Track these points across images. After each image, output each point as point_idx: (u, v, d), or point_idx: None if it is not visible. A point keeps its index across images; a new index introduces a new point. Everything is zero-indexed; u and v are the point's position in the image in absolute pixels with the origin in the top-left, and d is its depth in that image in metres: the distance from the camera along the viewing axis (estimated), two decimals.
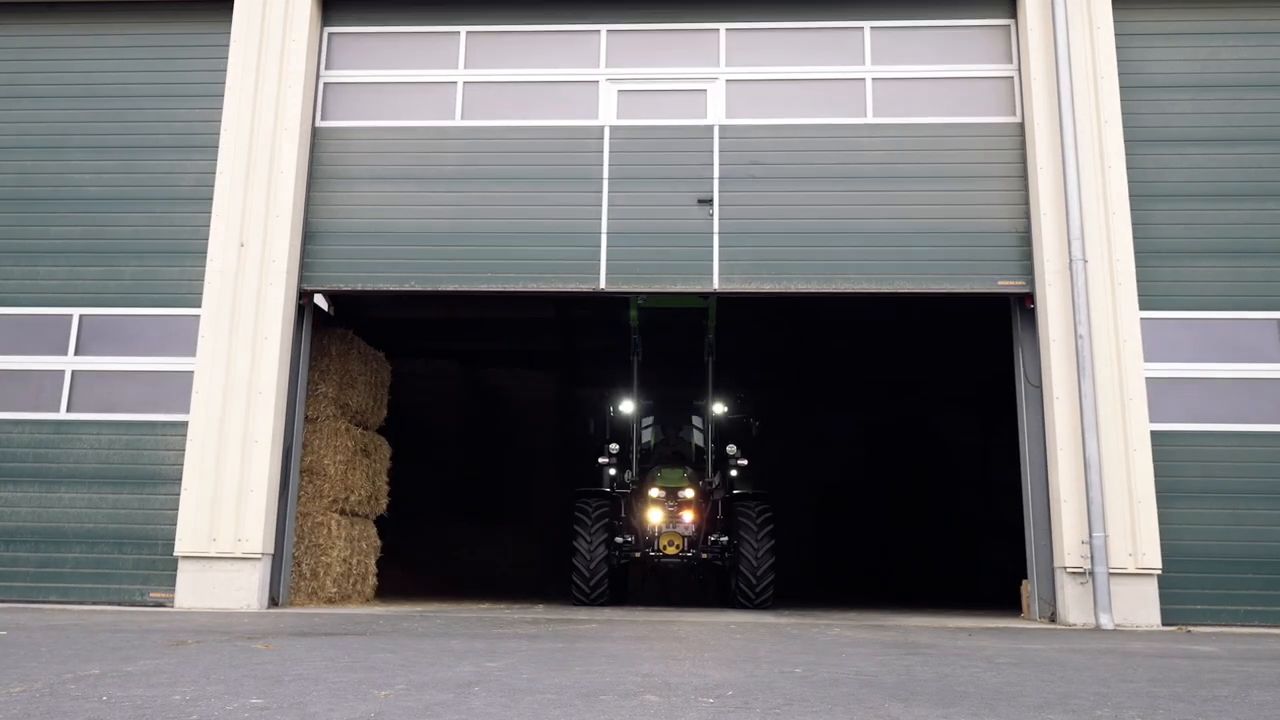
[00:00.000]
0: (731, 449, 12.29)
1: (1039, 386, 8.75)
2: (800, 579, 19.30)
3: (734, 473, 12.31)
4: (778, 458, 18.33)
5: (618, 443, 12.55)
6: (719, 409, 13.19)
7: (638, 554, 11.50)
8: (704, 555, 11.50)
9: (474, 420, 20.23)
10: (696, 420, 13.54)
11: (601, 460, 12.46)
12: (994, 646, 5.81)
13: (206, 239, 9.22)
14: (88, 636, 5.66)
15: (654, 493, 11.66)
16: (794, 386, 22.15)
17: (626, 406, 13.25)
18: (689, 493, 11.61)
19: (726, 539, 11.40)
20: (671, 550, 11.34)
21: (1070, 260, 8.49)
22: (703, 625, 7.38)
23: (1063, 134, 8.70)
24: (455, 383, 20.16)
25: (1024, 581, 8.90)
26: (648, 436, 13.51)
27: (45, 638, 5.55)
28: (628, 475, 12.43)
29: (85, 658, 4.56)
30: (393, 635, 6.02)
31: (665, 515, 11.54)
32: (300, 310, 9.56)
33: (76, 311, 9.29)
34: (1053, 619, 8.40)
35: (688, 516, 11.56)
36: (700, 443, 13.13)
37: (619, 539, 11.54)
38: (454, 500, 19.30)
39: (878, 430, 22.67)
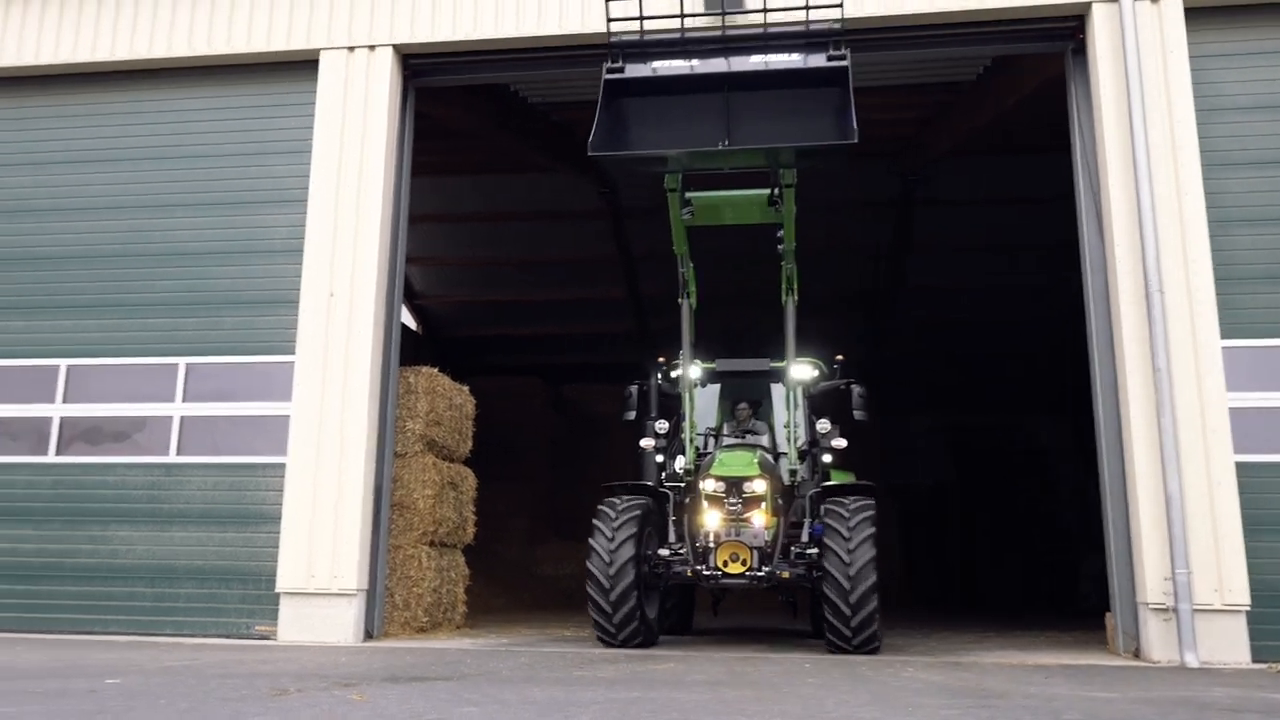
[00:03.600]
0: (824, 426, 9.43)
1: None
2: (884, 592, 19.17)
3: (828, 458, 9.53)
4: (858, 460, 18.17)
5: (666, 420, 9.69)
6: (804, 373, 10.00)
7: (688, 572, 8.53)
8: (784, 574, 8.36)
9: (558, 436, 20.69)
10: (777, 389, 10.06)
11: (644, 444, 9.64)
12: (1066, 696, 5.84)
13: (299, 289, 9.74)
14: (199, 683, 6.09)
15: (709, 486, 8.45)
16: (874, 388, 21.93)
17: (680, 371, 9.63)
18: (759, 485, 8.37)
19: (817, 550, 8.35)
20: (735, 568, 8.20)
21: (1147, 292, 8.38)
22: (779, 664, 7.52)
23: (1135, 164, 8.58)
24: (539, 399, 20.65)
25: (1108, 614, 8.81)
26: (714, 414, 10.24)
27: (160, 684, 5.99)
28: (680, 463, 9.32)
29: (198, 711, 4.96)
30: (477, 680, 6.32)
31: (725, 518, 8.36)
32: (403, 97, 10.00)
33: (182, 361, 9.91)
34: (1137, 654, 8.31)
35: (758, 520, 8.36)
36: (783, 420, 9.72)
37: (664, 550, 8.78)
38: (541, 516, 19.76)
39: (966, 435, 22.40)
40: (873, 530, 8.10)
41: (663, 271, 19.29)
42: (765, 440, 9.77)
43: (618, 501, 8.74)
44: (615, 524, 8.42)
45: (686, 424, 9.34)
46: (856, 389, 9.85)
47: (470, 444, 11.64)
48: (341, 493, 9.27)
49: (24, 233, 10.48)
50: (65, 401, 10.04)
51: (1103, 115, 8.94)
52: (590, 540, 8.46)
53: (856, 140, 6.84)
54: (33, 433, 10.05)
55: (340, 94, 10.03)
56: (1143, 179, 8.55)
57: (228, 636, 9.28)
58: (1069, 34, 9.42)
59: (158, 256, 10.18)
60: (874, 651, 8.14)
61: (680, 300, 9.20)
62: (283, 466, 9.47)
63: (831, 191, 16.23)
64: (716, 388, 10.28)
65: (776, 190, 8.18)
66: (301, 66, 10.24)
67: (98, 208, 10.41)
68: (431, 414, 10.63)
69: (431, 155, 14.03)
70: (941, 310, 20.38)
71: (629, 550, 8.30)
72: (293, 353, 9.67)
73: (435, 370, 10.88)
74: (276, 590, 9.22)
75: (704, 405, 10.06)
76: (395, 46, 10.05)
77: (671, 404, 10.04)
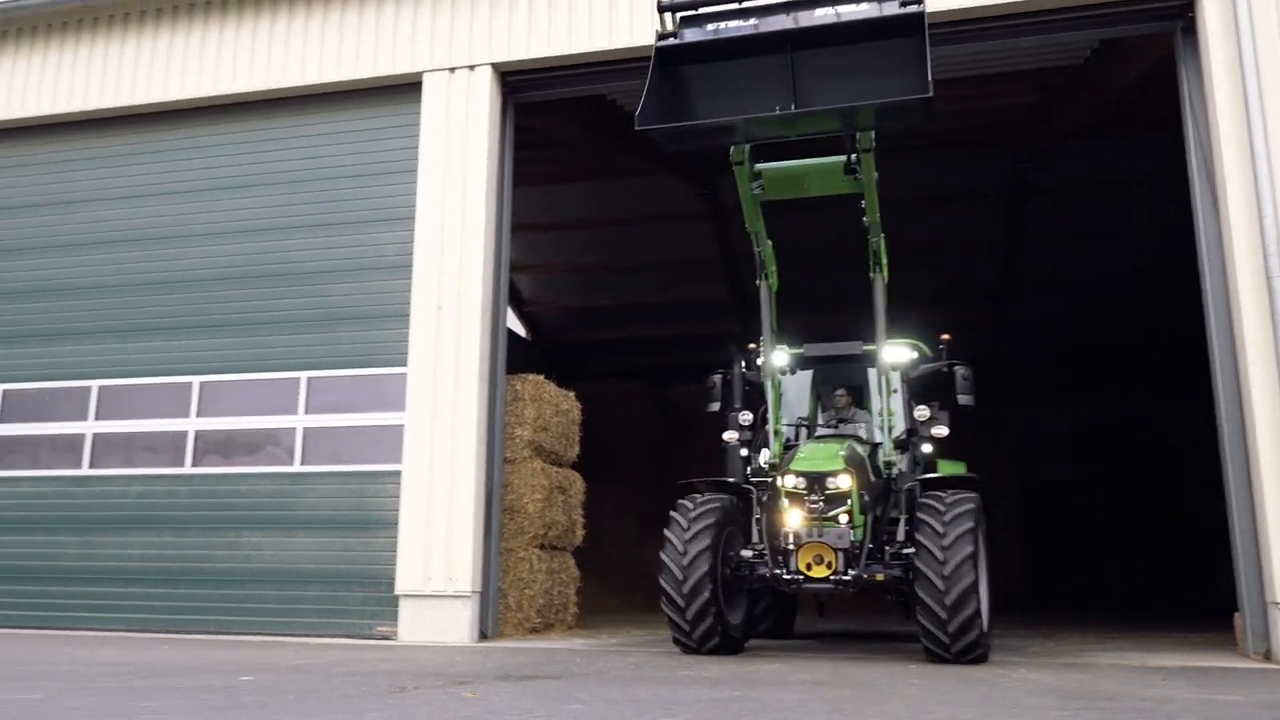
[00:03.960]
0: (922, 412, 8.78)
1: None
2: (1006, 591, 18.74)
3: (928, 448, 8.88)
4: (977, 454, 17.52)
5: (752, 411, 9.06)
6: (900, 355, 9.28)
7: (767, 574, 7.93)
8: (878, 577, 7.74)
9: (663, 438, 20.85)
10: (873, 374, 9.27)
11: (727, 437, 9.13)
12: (1183, 699, 5.66)
13: (409, 303, 10.16)
14: (325, 680, 6.43)
15: (789, 483, 7.75)
16: (996, 378, 21.31)
17: (764, 358, 8.68)
18: (843, 480, 7.65)
19: (913, 550, 7.64)
20: (819, 571, 7.55)
21: (1268, 276, 8.02)
22: (884, 665, 7.48)
23: (1252, 145, 8.20)
24: (644, 402, 20.88)
25: (1237, 614, 8.46)
26: (806, 403, 9.48)
27: (290, 681, 6.35)
28: (764, 457, 8.61)
29: (323, 707, 5.26)
30: (585, 679, 6.49)
31: (806, 517, 7.66)
32: (503, 113, 10.32)
33: (303, 375, 10.45)
34: (1268, 656, 7.95)
35: (844, 518, 7.66)
36: (878, 406, 8.95)
37: (746, 552, 8.22)
38: (648, 518, 19.95)
39: (1094, 426, 21.61)
40: (971, 527, 7.32)
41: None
42: (865, 430, 8.99)
43: (688, 504, 8.20)
44: (689, 525, 7.94)
45: (770, 414, 8.55)
46: (960, 371, 8.96)
47: (577, 449, 11.89)
48: (454, 498, 9.63)
49: (161, 258, 11.21)
50: (199, 416, 10.71)
51: (1216, 96, 8.59)
52: (662, 552, 8.00)
53: (931, 94, 6.00)
54: (171, 445, 10.75)
55: (443, 113, 10.42)
56: (1260, 160, 8.19)
57: (351, 637, 9.73)
58: (1177, 13, 9.08)
59: (279, 276, 10.76)
60: (979, 660, 7.40)
61: (758, 282, 8.46)
62: (398, 474, 9.89)
63: (941, 184, 16.00)
64: (809, 375, 9.56)
65: (854, 156, 7.40)
66: (406, 89, 10.68)
67: (225, 232, 11.07)
68: (539, 420, 10.91)
69: (536, 165, 14.41)
70: (1061, 300, 19.79)
71: (705, 552, 7.80)
72: (405, 364, 10.09)
73: (542, 377, 11.17)
74: (396, 593, 9.63)
75: (797, 394, 9.47)
76: (494, 65, 10.39)
77: (759, 394, 9.28)
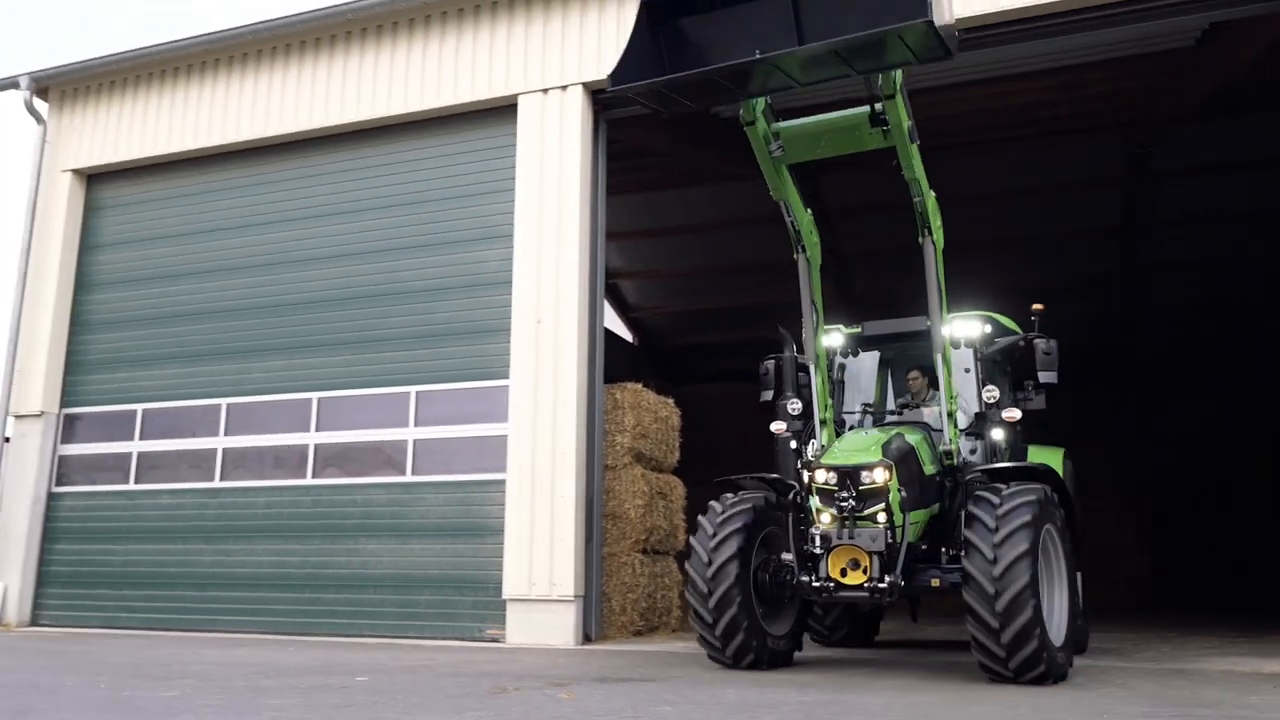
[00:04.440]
0: (990, 394, 7.74)
1: None
2: (1130, 596, 18.08)
3: (998, 434, 7.84)
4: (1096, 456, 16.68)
5: (800, 398, 8.10)
6: (970, 330, 8.19)
7: (792, 580, 7.12)
8: (934, 583, 6.93)
9: (772, 441, 20.70)
10: (955, 353, 8.07)
11: (774, 429, 8.20)
12: None
13: (509, 318, 10.55)
14: (432, 681, 6.78)
15: (819, 478, 6.89)
16: (1120, 376, 20.56)
17: (805, 339, 7.65)
18: (879, 474, 6.71)
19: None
20: (855, 577, 6.67)
21: None
22: (975, 673, 7.39)
23: None
24: (751, 405, 20.85)
25: None
26: (872, 387, 8.75)
27: (401, 682, 6.72)
28: (811, 448, 7.77)
29: (427, 705, 5.58)
30: (678, 681, 6.67)
31: (836, 516, 6.81)
32: (595, 129, 10.60)
33: (413, 389, 10.96)
34: None
35: (882, 516, 6.73)
36: (953, 389, 7.63)
37: (788, 555, 7.27)
38: None
39: (1229, 421, 20.56)
40: (1027, 549, 6.27)
41: (874, 269, 19.24)
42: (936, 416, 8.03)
43: (717, 506, 7.54)
44: (714, 531, 7.28)
45: (816, 401, 7.68)
46: (1040, 344, 7.78)
47: (677, 454, 12.08)
48: (556, 505, 9.95)
49: (280, 282, 11.92)
50: (318, 430, 11.35)
51: None
52: (687, 562, 7.41)
53: (930, 17, 5.27)
54: (294, 458, 11.42)
55: (537, 132, 10.79)
56: None
57: (462, 639, 10.16)
58: None
59: (388, 295, 11.32)
60: (1042, 679, 6.34)
61: (795, 256, 7.46)
62: (503, 482, 10.28)
63: (1056, 172, 15.60)
64: (875, 357, 8.78)
65: (879, 106, 6.49)
66: (502, 111, 11.10)
67: (338, 255, 11.69)
68: (638, 427, 11.15)
69: (633, 174, 14.64)
70: (1190, 288, 18.93)
71: (732, 560, 7.13)
72: (507, 377, 10.48)
73: (640, 386, 11.40)
74: (503, 597, 10.01)
75: (866, 379, 8.77)
76: (584, 84, 10.70)
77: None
